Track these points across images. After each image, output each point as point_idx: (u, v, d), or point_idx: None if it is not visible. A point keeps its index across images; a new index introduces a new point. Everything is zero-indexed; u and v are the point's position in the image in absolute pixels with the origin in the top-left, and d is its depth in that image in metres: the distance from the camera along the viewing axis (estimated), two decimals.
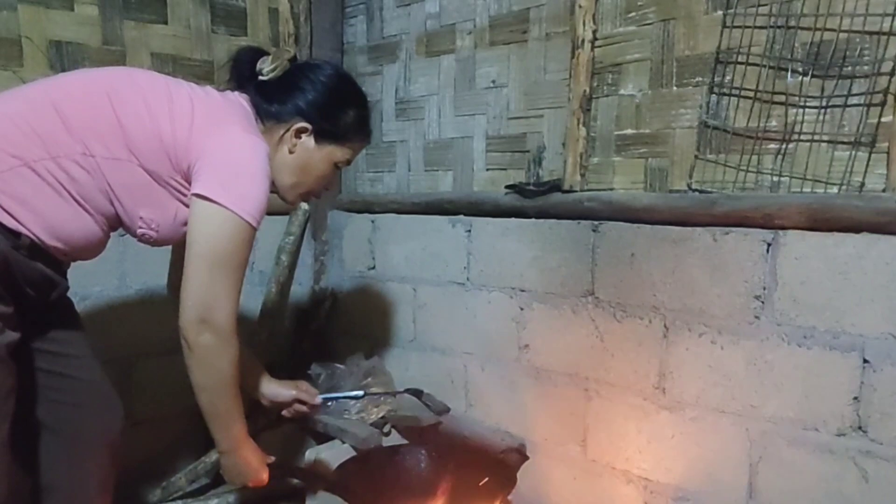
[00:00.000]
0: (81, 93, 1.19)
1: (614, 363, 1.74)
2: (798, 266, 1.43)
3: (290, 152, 1.36)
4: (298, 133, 1.35)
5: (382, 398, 2.05)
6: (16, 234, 1.12)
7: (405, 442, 2.02)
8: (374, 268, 2.39)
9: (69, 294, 1.34)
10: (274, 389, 1.60)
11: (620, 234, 1.71)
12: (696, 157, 1.61)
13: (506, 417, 2.00)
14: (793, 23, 1.45)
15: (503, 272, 1.98)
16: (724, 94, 1.56)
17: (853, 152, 1.40)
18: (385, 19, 2.35)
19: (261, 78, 1.35)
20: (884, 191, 1.35)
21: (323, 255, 2.51)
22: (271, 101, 1.35)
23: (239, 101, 1.34)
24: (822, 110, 1.44)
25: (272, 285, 2.31)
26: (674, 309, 1.62)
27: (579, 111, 1.79)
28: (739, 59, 1.53)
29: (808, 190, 1.46)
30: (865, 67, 1.38)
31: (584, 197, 1.77)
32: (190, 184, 1.22)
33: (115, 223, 1.28)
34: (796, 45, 1.46)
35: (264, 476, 1.42)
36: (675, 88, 1.65)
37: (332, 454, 1.91)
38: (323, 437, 2.05)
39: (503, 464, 1.85)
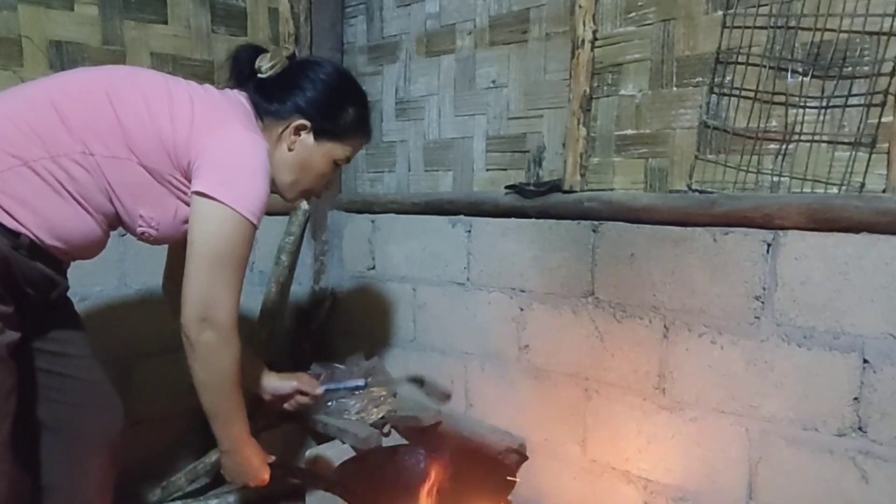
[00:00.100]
0: (80, 92, 1.19)
1: (614, 363, 1.74)
2: (798, 266, 1.43)
3: (290, 150, 1.36)
4: (297, 130, 1.35)
5: (384, 390, 2.06)
6: (15, 234, 1.12)
7: (405, 442, 2.02)
8: (373, 268, 2.39)
9: (69, 294, 1.34)
10: (275, 382, 1.60)
11: (620, 235, 1.71)
12: (696, 157, 1.61)
13: (506, 417, 2.00)
14: (793, 23, 1.45)
15: (503, 272, 1.98)
16: (724, 95, 1.56)
17: (853, 153, 1.40)
18: (385, 19, 2.35)
19: (259, 76, 1.34)
20: (884, 191, 1.36)
21: (323, 255, 2.51)
22: (270, 98, 1.35)
23: (238, 99, 1.34)
24: (823, 110, 1.44)
25: (272, 285, 2.31)
26: (674, 309, 1.62)
27: (579, 111, 1.79)
28: (739, 60, 1.53)
29: (808, 190, 1.46)
30: (865, 68, 1.38)
31: (584, 197, 1.77)
32: (190, 181, 1.22)
33: (115, 222, 1.28)
34: (796, 45, 1.46)
35: (265, 476, 1.41)
36: (675, 88, 1.65)
37: (332, 454, 1.91)
38: (323, 437, 2.05)
39: (503, 464, 1.85)
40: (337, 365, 2.18)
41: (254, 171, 1.22)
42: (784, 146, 1.49)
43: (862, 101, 1.39)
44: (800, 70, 1.46)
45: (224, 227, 1.18)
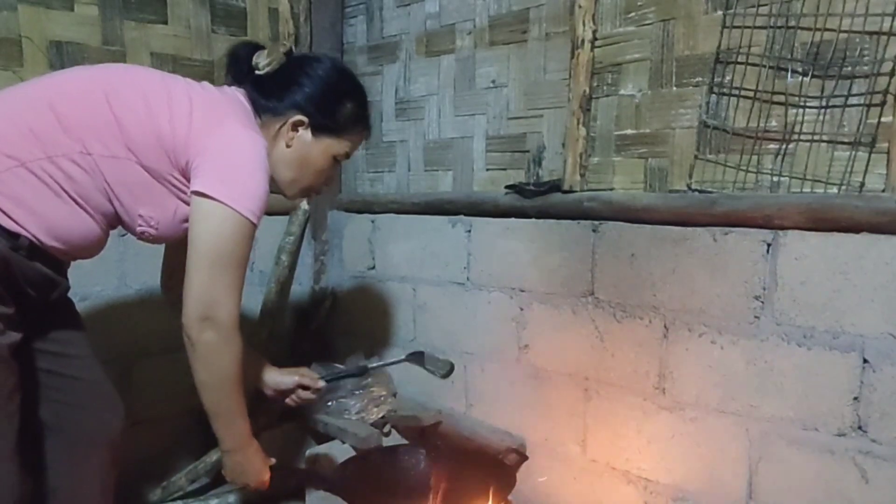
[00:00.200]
0: (78, 91, 1.19)
1: (614, 363, 1.74)
2: (798, 266, 1.43)
3: (288, 146, 1.35)
4: (295, 126, 1.34)
5: (384, 390, 2.06)
6: (15, 236, 1.12)
7: (405, 442, 2.02)
8: (373, 268, 2.39)
9: (69, 294, 1.34)
10: (276, 377, 1.60)
11: (620, 235, 1.71)
12: (695, 157, 1.61)
13: (506, 417, 2.00)
14: (793, 23, 1.45)
15: (503, 272, 1.98)
16: (724, 94, 1.56)
17: (853, 152, 1.40)
18: (385, 19, 2.35)
19: (257, 72, 1.34)
20: (884, 191, 1.36)
21: (323, 255, 2.51)
22: (268, 95, 1.34)
23: (236, 97, 1.33)
24: (822, 110, 1.44)
25: (272, 285, 2.31)
26: (674, 309, 1.62)
27: (579, 111, 1.79)
28: (739, 59, 1.53)
29: (808, 190, 1.46)
30: (865, 67, 1.38)
31: (584, 197, 1.77)
32: (189, 181, 1.21)
33: (115, 222, 1.27)
34: (796, 45, 1.46)
35: (266, 477, 1.41)
36: (674, 88, 1.65)
37: (333, 454, 1.91)
38: (323, 437, 2.05)
39: (503, 464, 1.85)
40: (337, 365, 2.19)
41: (253, 170, 1.21)
42: (784, 146, 1.49)
43: (862, 101, 1.39)
44: (799, 70, 1.46)
45: (224, 226, 1.18)
